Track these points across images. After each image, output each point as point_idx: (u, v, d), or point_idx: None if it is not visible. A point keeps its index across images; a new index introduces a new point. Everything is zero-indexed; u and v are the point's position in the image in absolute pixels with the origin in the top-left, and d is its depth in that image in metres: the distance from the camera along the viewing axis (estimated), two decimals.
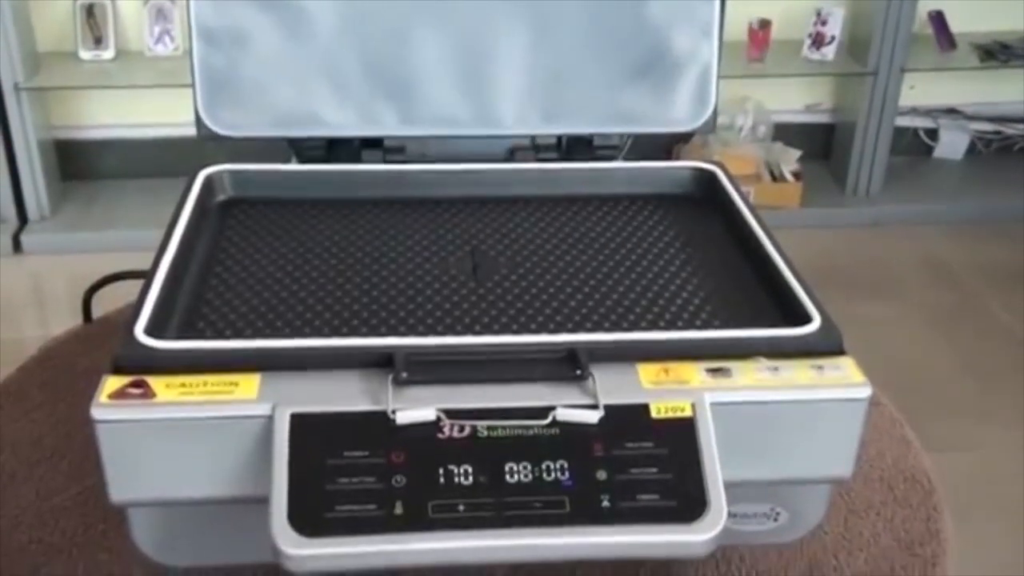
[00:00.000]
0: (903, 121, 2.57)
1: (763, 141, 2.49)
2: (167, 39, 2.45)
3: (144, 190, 2.50)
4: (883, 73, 2.39)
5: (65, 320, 2.28)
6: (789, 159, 2.49)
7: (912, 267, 2.33)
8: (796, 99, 2.60)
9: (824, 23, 2.43)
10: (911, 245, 2.39)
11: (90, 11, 2.39)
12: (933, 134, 2.68)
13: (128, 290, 0.91)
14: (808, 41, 2.44)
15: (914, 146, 2.67)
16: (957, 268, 2.31)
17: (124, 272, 0.87)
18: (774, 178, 2.47)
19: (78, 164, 2.54)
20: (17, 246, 2.36)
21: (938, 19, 2.48)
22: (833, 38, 2.42)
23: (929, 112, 2.65)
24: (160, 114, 2.47)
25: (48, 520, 0.68)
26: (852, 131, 2.49)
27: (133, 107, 2.49)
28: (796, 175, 2.47)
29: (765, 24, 2.37)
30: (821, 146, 2.61)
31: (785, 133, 2.51)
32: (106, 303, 0.93)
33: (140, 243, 2.33)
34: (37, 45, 2.37)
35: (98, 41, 2.41)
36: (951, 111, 2.66)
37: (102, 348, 0.84)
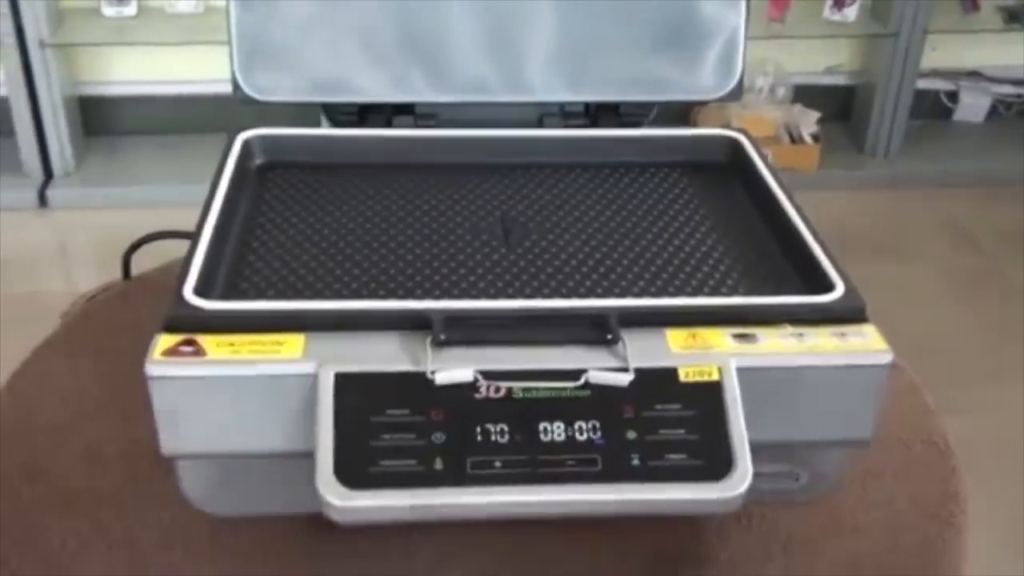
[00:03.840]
0: (923, 84, 2.56)
1: (782, 103, 2.49)
2: None
3: (166, 146, 2.52)
4: (905, 34, 2.38)
5: (89, 272, 2.32)
6: (808, 121, 2.49)
7: (931, 230, 2.33)
8: (816, 61, 2.59)
9: None
10: (930, 208, 2.39)
11: None
12: (953, 97, 2.67)
13: (162, 248, 0.93)
14: (829, 2, 2.43)
15: (934, 109, 2.66)
16: (976, 231, 2.32)
17: (163, 232, 0.90)
18: (793, 140, 2.47)
19: (101, 120, 2.56)
20: (43, 200, 2.39)
21: None
22: None
23: (950, 74, 2.64)
24: (182, 71, 2.49)
25: (97, 470, 0.71)
26: (872, 93, 2.49)
27: (155, 64, 2.51)
28: (815, 137, 2.47)
29: None
30: (841, 108, 2.61)
31: (805, 95, 2.51)
32: (139, 260, 0.96)
33: (162, 199, 2.36)
34: (60, 1, 2.38)
35: None
36: (973, 74, 2.65)
37: (142, 305, 0.87)
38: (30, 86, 2.32)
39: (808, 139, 2.47)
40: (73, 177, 2.44)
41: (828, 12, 2.43)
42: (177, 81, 2.52)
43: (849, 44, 2.58)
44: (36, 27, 2.26)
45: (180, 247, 0.91)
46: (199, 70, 2.47)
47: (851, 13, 2.42)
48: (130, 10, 2.42)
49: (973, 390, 1.76)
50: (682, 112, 2.34)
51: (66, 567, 0.65)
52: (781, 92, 2.49)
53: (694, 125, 2.23)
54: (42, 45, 2.28)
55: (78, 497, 0.69)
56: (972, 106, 2.67)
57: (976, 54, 2.60)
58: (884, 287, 2.00)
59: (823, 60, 2.60)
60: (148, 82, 2.55)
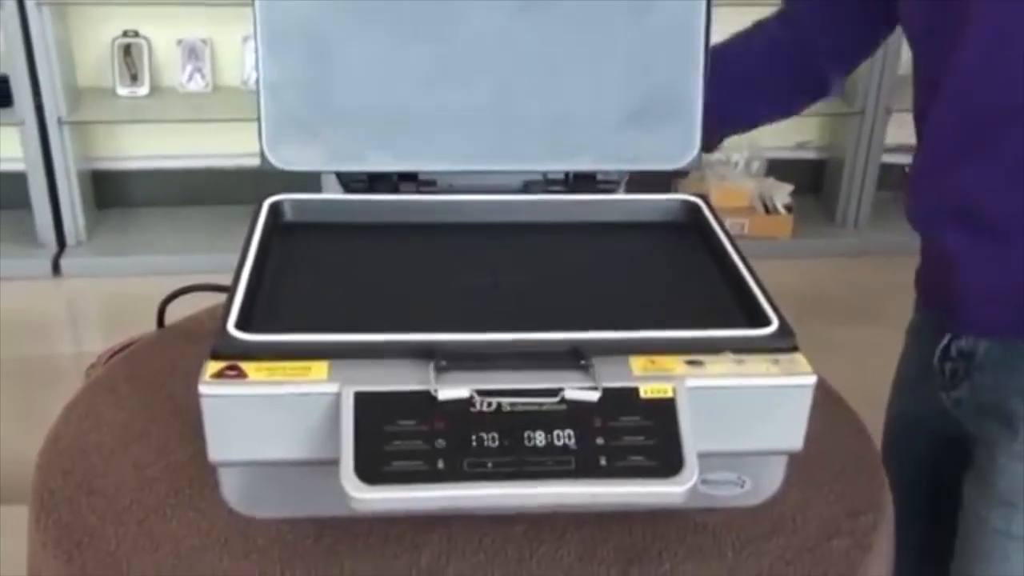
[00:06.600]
0: (889, 158, 2.73)
1: (757, 176, 2.65)
2: (198, 76, 2.62)
3: (174, 217, 2.66)
4: (870, 113, 2.55)
5: (97, 336, 2.42)
6: (782, 193, 2.64)
7: (895, 295, 2.46)
8: (788, 137, 2.76)
9: None
10: (895, 274, 2.52)
11: (127, 50, 2.56)
12: None
13: (192, 301, 1.06)
14: None
15: (900, 181, 2.82)
16: None
17: (195, 285, 1.02)
18: (767, 210, 2.62)
19: (113, 192, 2.70)
20: (56, 269, 2.51)
21: None
22: None
23: (913, 150, 2.80)
24: (191, 146, 2.64)
25: (144, 486, 0.82)
26: (841, 167, 2.65)
27: (165, 140, 2.66)
28: (788, 208, 2.63)
29: None
30: (812, 181, 2.77)
31: (778, 168, 2.67)
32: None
33: (169, 267, 2.50)
34: (78, 82, 2.54)
35: (134, 78, 2.58)
36: None
37: (174, 349, 0.99)
38: (47, 161, 2.46)
39: (782, 209, 2.62)
40: (85, 247, 2.58)
41: None
42: (186, 155, 2.67)
43: (818, 122, 2.75)
44: (55, 106, 2.41)
45: (205, 300, 1.04)
46: (206, 145, 2.62)
47: None
48: (143, 90, 2.58)
49: None
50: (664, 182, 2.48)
51: (120, 565, 0.76)
52: (756, 166, 2.66)
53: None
54: (60, 123, 2.43)
55: (128, 508, 0.80)
56: None
57: None
58: (851, 347, 2.14)
59: (794, 136, 2.77)
60: (158, 156, 2.70)
